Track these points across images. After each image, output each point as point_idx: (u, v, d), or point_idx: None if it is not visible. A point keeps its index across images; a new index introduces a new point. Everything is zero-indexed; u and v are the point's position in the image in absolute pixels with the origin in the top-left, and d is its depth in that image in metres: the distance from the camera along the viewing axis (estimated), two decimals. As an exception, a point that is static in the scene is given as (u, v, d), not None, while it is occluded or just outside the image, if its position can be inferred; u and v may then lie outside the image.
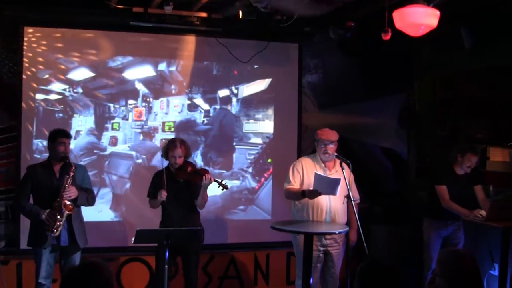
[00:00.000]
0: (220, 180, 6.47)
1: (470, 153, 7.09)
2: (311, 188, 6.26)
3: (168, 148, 6.57)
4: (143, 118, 8.06)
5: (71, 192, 6.09)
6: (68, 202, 6.02)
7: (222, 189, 6.50)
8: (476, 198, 7.26)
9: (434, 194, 7.26)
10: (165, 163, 6.66)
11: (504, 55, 7.49)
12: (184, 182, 6.53)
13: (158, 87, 8.12)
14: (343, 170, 6.15)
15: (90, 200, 6.47)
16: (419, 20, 5.83)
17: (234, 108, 8.40)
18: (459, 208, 7.08)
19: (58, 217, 6.00)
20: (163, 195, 6.37)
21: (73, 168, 6.15)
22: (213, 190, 7.78)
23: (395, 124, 9.21)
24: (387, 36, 6.55)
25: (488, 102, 8.42)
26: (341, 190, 6.17)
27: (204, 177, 6.38)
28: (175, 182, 6.51)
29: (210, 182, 6.41)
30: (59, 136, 6.24)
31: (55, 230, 6.00)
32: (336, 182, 6.14)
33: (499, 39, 7.41)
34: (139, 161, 8.02)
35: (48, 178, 6.20)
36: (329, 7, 7.35)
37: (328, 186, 6.18)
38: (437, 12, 5.82)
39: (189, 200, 6.59)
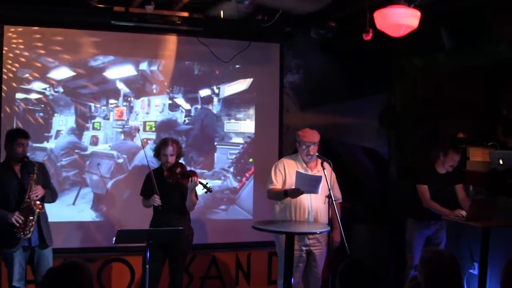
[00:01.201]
0: (205, 183, 6.47)
1: (452, 152, 7.13)
2: (293, 187, 6.27)
3: (160, 147, 6.59)
4: (124, 117, 8.02)
5: (38, 191, 6.02)
6: (37, 202, 5.98)
7: (206, 192, 6.50)
8: (457, 197, 7.30)
9: (416, 193, 7.28)
10: (152, 165, 6.66)
11: (484, 55, 7.54)
12: (174, 183, 6.52)
13: (139, 87, 8.09)
14: (324, 170, 6.16)
15: (53, 196, 6.42)
16: (400, 20, 5.86)
17: (215, 107, 8.39)
18: (439, 208, 7.11)
19: (30, 217, 5.95)
20: (156, 201, 6.37)
21: (37, 166, 6.09)
22: (196, 190, 7.80)
23: (376, 124, 9.24)
24: (368, 37, 6.57)
25: (468, 102, 8.47)
26: (322, 189, 6.18)
27: (190, 179, 6.37)
28: (165, 183, 6.51)
29: (195, 185, 6.42)
30: (18, 136, 6.14)
31: (27, 232, 5.93)
32: (317, 179, 6.15)
33: (479, 39, 7.46)
34: (120, 160, 7.98)
35: (9, 179, 6.10)
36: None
37: (309, 184, 6.19)
38: (418, 13, 5.85)
39: (179, 201, 6.59)
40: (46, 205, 6.32)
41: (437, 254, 3.66)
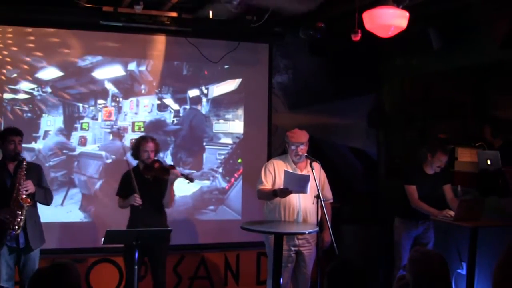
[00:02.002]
0: (186, 174, 6.45)
1: (440, 153, 7.14)
2: (282, 187, 6.28)
3: (140, 144, 6.55)
4: (113, 118, 8.01)
5: (28, 185, 5.97)
6: (24, 196, 5.93)
7: (188, 182, 6.50)
8: (445, 198, 7.32)
9: (405, 194, 7.30)
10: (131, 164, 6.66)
11: (472, 56, 7.58)
12: (153, 179, 6.51)
13: (127, 87, 8.08)
14: (313, 170, 6.17)
15: (48, 197, 6.35)
16: (388, 21, 5.87)
17: (204, 108, 8.39)
18: (428, 208, 7.12)
19: (19, 212, 5.91)
20: (137, 200, 6.35)
21: (25, 162, 6.04)
22: (183, 190, 7.83)
23: (365, 124, 9.28)
24: (357, 37, 6.59)
25: (457, 103, 8.49)
26: (311, 189, 6.19)
27: (171, 171, 6.37)
28: (144, 180, 6.49)
29: (176, 177, 6.41)
30: (9, 134, 6.11)
31: (16, 227, 5.90)
32: (306, 179, 6.15)
33: (467, 40, 7.50)
34: (109, 161, 7.97)
35: (2, 177, 6.08)
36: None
37: (298, 183, 6.19)
38: (407, 14, 5.87)
39: (158, 198, 6.57)
40: (36, 206, 6.33)
41: (425, 254, 3.67)
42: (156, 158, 6.65)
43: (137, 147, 6.57)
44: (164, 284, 6.67)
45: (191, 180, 6.51)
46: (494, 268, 3.94)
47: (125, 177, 6.64)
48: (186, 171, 8.16)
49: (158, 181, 6.51)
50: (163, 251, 6.62)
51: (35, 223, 6.23)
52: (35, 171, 6.27)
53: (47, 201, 6.37)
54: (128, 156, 6.89)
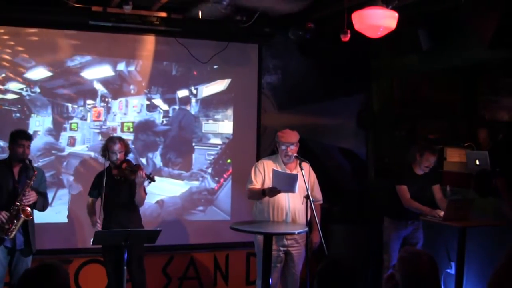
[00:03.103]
0: (148, 174, 6.44)
1: (428, 153, 7.17)
2: (271, 186, 6.28)
3: (107, 145, 6.56)
4: (102, 118, 7.99)
5: (31, 197, 6.05)
6: (27, 208, 5.99)
7: (150, 182, 6.49)
8: (434, 198, 7.35)
9: (394, 194, 7.31)
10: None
11: (460, 57, 7.60)
12: (123, 180, 6.51)
13: (117, 87, 8.05)
14: (302, 171, 6.17)
15: (45, 205, 6.44)
16: (378, 22, 5.89)
17: (193, 108, 8.38)
18: (420, 207, 7.14)
19: (15, 221, 5.95)
20: (98, 226, 6.38)
21: (36, 173, 6.10)
22: (173, 191, 7.83)
23: (354, 125, 9.29)
24: (346, 38, 6.60)
25: (445, 103, 8.52)
26: (300, 190, 6.20)
27: (137, 173, 6.37)
28: (115, 180, 6.51)
29: (143, 179, 6.40)
30: (18, 138, 6.17)
31: (9, 234, 5.93)
32: (294, 178, 6.16)
33: (456, 41, 7.52)
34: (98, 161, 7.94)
35: (6, 178, 6.13)
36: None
37: (286, 182, 6.20)
38: (396, 14, 5.89)
39: (128, 198, 6.58)
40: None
41: (414, 254, 3.67)
42: (126, 159, 6.66)
43: (106, 149, 6.58)
44: (143, 284, 6.66)
45: (152, 180, 6.47)
46: (491, 275, 3.95)
47: (97, 176, 6.69)
48: (176, 172, 8.17)
49: (128, 181, 6.52)
50: (138, 250, 6.58)
51: (33, 226, 6.29)
52: (38, 176, 6.30)
53: (43, 208, 6.44)
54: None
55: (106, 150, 6.57)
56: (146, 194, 6.67)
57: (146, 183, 6.51)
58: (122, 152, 6.56)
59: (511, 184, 4.22)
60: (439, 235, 7.45)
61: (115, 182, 6.51)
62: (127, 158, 6.69)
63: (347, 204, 8.78)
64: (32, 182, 6.06)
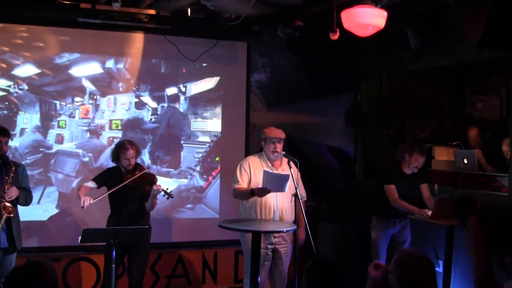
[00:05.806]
0: (166, 189, 6.40)
1: (417, 153, 7.18)
2: (260, 186, 6.28)
3: (119, 152, 6.50)
4: (90, 115, 7.96)
5: (12, 192, 5.96)
6: (8, 204, 5.89)
7: (168, 198, 6.43)
8: (422, 197, 7.37)
9: (382, 193, 7.33)
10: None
11: (449, 56, 7.63)
12: (135, 184, 6.46)
13: (105, 85, 8.03)
14: (291, 169, 6.18)
15: (28, 200, 6.34)
16: (367, 20, 5.90)
17: (182, 106, 8.36)
18: (408, 206, 7.16)
19: None
20: (85, 203, 6.25)
21: (13, 169, 6.03)
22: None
23: (342, 123, 9.31)
24: (335, 36, 6.61)
25: (433, 102, 8.57)
26: (288, 188, 6.21)
27: (154, 187, 6.31)
28: (126, 185, 6.44)
29: (158, 192, 6.37)
30: None
31: None
32: (285, 178, 6.17)
33: (444, 40, 7.55)
34: (86, 159, 7.92)
35: None
36: (274, 8, 7.37)
37: (277, 183, 6.21)
38: (385, 13, 5.90)
39: (138, 201, 6.55)
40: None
41: (414, 257, 3.66)
42: (138, 164, 6.64)
43: (117, 156, 6.52)
44: (140, 284, 6.64)
45: (170, 196, 6.42)
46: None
47: (109, 172, 6.66)
48: (164, 170, 8.15)
49: (139, 186, 6.48)
50: (141, 250, 6.57)
51: (17, 223, 6.21)
52: (20, 173, 6.24)
53: (27, 203, 6.34)
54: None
55: (117, 157, 6.52)
56: (157, 202, 6.65)
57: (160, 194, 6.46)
58: (134, 157, 6.52)
59: (483, 230, 3.96)
60: (426, 233, 7.48)
61: (125, 185, 6.40)
62: (137, 161, 6.67)
63: (335, 202, 8.79)
64: (10, 178, 5.97)
